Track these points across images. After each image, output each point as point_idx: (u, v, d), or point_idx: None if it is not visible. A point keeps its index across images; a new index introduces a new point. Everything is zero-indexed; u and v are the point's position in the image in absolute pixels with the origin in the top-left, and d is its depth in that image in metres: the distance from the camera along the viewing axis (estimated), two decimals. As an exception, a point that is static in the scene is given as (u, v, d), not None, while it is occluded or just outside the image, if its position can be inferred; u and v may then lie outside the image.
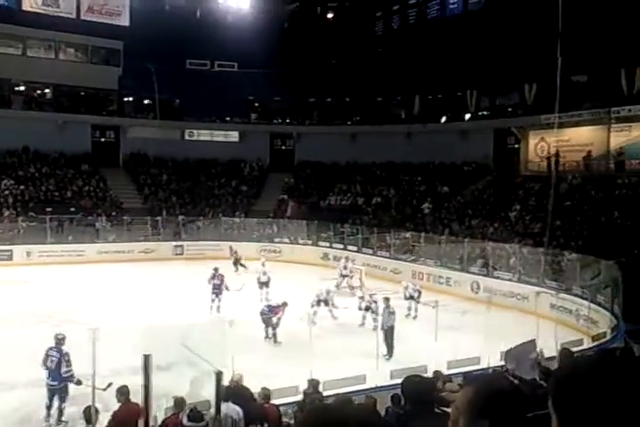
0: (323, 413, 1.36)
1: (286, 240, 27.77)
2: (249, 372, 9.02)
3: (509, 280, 19.26)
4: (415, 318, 16.23)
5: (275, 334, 13.67)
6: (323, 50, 32.55)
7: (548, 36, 19.70)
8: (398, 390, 7.82)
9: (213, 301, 16.49)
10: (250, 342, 12.02)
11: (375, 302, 14.66)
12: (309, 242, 27.30)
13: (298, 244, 27.44)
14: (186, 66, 34.10)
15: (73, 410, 8.65)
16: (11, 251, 23.84)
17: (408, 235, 24.05)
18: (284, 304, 14.22)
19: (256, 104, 37.64)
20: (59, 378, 9.14)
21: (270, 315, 13.72)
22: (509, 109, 30.47)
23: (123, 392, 7.68)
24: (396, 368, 10.94)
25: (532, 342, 9.96)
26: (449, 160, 29.59)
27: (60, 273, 21.72)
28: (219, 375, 7.51)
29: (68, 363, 9.17)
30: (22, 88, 32.42)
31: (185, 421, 6.49)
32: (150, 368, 7.91)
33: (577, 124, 24.65)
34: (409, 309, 16.29)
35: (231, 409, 7.14)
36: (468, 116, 31.53)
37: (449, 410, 4.13)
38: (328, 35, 32.49)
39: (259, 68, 32.56)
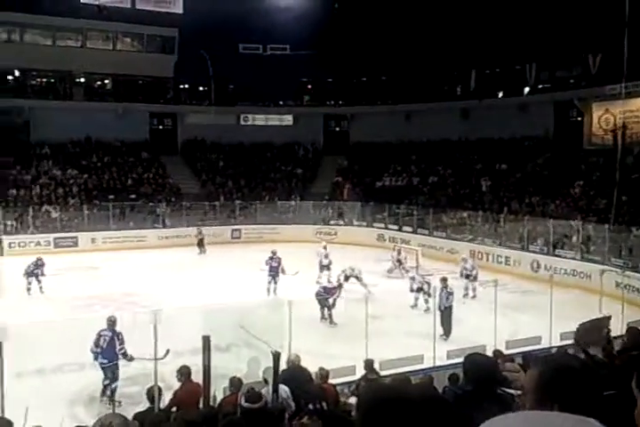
0: (383, 390, 1.32)
1: (341, 222, 27.82)
2: (306, 352, 9.08)
3: (572, 258, 18.67)
4: (474, 297, 15.98)
5: (330, 315, 13.72)
6: (374, 28, 31.94)
7: (614, 1, 18.73)
8: (456, 370, 7.74)
9: (270, 283, 16.69)
10: (306, 324, 12.11)
11: (428, 282, 14.52)
12: (364, 224, 27.26)
13: (353, 225, 27.45)
14: (239, 50, 34.31)
15: (136, 389, 8.94)
16: (76, 238, 24.74)
17: (465, 214, 23.63)
18: (340, 285, 14.28)
19: (309, 86, 37.55)
20: (109, 356, 9.45)
21: (326, 296, 13.78)
22: (571, 81, 29.24)
23: (183, 372, 7.85)
24: (454, 348, 10.82)
25: (606, 319, 9.63)
26: (507, 136, 28.76)
27: (123, 258, 22.43)
28: (276, 356, 7.59)
29: (121, 341, 9.51)
30: (82, 79, 33.34)
31: (242, 401, 6.58)
32: (209, 349, 8.09)
33: (645, 94, 23.45)
34: (466, 289, 16.05)
35: (280, 389, 7.21)
36: (527, 89, 30.48)
37: (511, 391, 3.99)
38: (379, 12, 31.84)
39: (310, 50, 32.42)
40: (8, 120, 31.19)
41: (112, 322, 9.63)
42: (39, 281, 17.16)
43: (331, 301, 13.67)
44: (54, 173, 28.77)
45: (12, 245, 23.34)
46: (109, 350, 9.44)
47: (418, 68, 32.68)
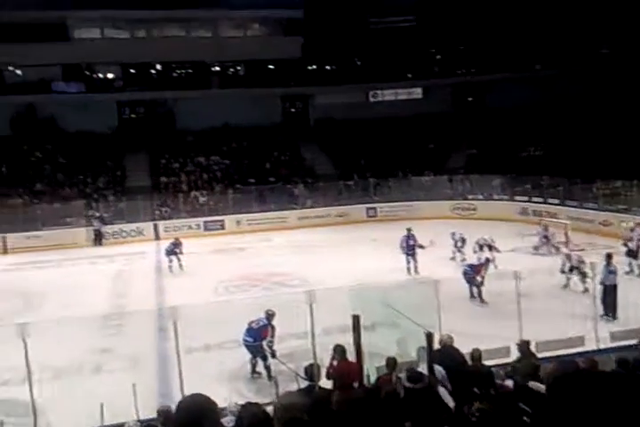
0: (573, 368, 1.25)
1: (480, 197, 26.90)
2: (456, 332, 8.92)
3: None
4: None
5: (480, 293, 13.36)
6: None
7: None
8: (623, 353, 7.21)
9: (409, 262, 16.53)
10: (454, 302, 11.90)
11: (583, 262, 13.62)
12: (505, 197, 26.15)
13: (493, 199, 26.45)
14: (365, 25, 34.02)
15: (290, 366, 9.28)
16: (223, 221, 26.11)
17: (619, 183, 21.86)
18: (487, 262, 13.85)
19: (438, 56, 36.38)
20: (255, 337, 9.92)
21: (473, 274, 13.42)
22: None
23: (338, 351, 8.00)
24: (618, 330, 10.12)
25: None
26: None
27: (267, 239, 23.41)
28: (429, 336, 7.50)
29: (273, 334, 9.99)
30: (217, 68, 34.74)
31: (405, 381, 6.59)
32: (359, 328, 8.17)
33: None
34: (629, 265, 14.86)
35: (435, 369, 7.11)
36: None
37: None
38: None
39: (439, 19, 31.33)
40: (154, 112, 33.57)
41: (270, 315, 10.09)
42: (179, 259, 18.63)
43: (479, 278, 13.29)
44: (199, 159, 30.49)
45: (167, 229, 25.11)
46: (257, 332, 9.91)
47: (554, 30, 30.43)
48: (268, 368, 9.98)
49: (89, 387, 9.84)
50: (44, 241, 23.73)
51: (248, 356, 10.15)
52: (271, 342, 10.00)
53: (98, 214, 25.07)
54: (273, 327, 10.03)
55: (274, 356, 9.93)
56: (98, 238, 24.43)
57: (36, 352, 7.19)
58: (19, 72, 31.69)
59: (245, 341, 10.03)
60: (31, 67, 30.64)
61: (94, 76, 33.21)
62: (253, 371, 10.19)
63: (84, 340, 11.74)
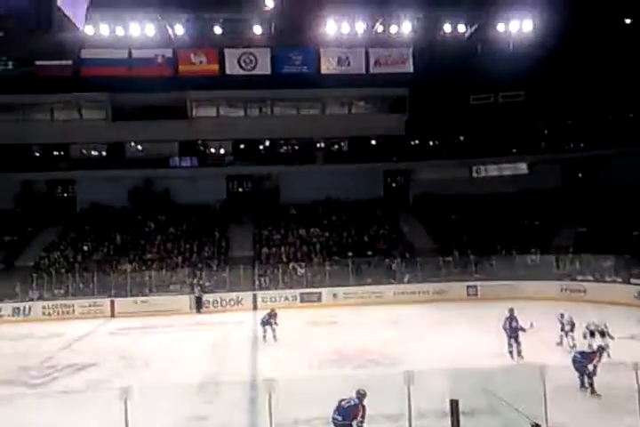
0: None
1: (590, 278, 25.34)
2: (564, 425, 8.21)
3: None
4: None
5: (592, 384, 12.26)
6: (618, 59, 28.92)
7: None
8: None
9: (512, 345, 15.61)
10: (562, 392, 10.97)
11: None
12: (619, 279, 24.46)
13: (605, 281, 24.80)
14: (469, 102, 34.31)
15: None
16: (320, 293, 26.12)
17: None
18: (600, 349, 12.80)
19: (545, 131, 35.76)
20: (344, 415, 9.50)
21: (585, 362, 12.40)
22: None
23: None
24: None
25: None
26: None
27: (362, 314, 23.07)
28: (536, 429, 6.96)
29: (363, 415, 9.51)
30: (322, 144, 36.03)
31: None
32: (458, 414, 7.71)
33: None
34: None
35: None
36: None
37: None
38: (622, 38, 28.83)
39: (546, 94, 31.01)
40: (261, 186, 35.12)
41: (361, 395, 9.80)
42: (273, 329, 18.86)
43: (590, 368, 12.24)
44: (299, 232, 31.17)
45: (265, 299, 25.45)
46: (347, 411, 9.60)
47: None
48: None
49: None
50: (150, 306, 24.81)
51: None
52: (361, 422, 9.62)
53: (200, 282, 25.97)
54: (364, 407, 9.69)
55: None
56: (198, 306, 25.17)
57: (136, 415, 7.31)
58: (139, 148, 34.49)
59: (334, 419, 9.73)
60: (151, 142, 33.31)
61: (207, 151, 35.45)
62: None
63: (180, 406, 11.86)
